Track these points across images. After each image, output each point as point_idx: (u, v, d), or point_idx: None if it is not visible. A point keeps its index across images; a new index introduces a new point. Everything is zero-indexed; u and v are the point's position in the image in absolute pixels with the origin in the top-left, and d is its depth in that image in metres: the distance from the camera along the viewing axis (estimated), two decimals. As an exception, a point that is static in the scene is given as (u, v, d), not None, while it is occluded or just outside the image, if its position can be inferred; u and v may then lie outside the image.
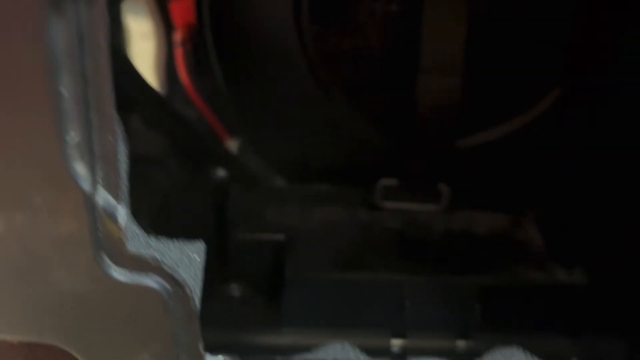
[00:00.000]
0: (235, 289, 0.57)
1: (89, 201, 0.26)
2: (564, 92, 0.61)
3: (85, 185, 0.26)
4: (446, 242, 0.60)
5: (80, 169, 0.26)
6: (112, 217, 0.27)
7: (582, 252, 0.58)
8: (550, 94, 0.61)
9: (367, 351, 0.37)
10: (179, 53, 0.80)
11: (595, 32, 0.58)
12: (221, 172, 0.62)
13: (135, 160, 0.43)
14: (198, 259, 0.32)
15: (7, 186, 0.26)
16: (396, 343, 0.50)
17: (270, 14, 0.59)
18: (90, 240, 0.27)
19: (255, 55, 0.62)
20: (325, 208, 0.63)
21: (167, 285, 0.29)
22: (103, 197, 0.27)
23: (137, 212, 0.30)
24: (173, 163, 0.52)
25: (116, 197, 0.27)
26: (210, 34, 0.63)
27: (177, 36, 0.80)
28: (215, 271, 0.53)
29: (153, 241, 0.30)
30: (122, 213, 0.27)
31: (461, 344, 0.49)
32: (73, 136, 0.25)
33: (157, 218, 0.46)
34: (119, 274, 0.28)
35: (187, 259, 0.31)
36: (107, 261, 0.28)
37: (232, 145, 0.82)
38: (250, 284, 0.58)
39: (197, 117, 0.85)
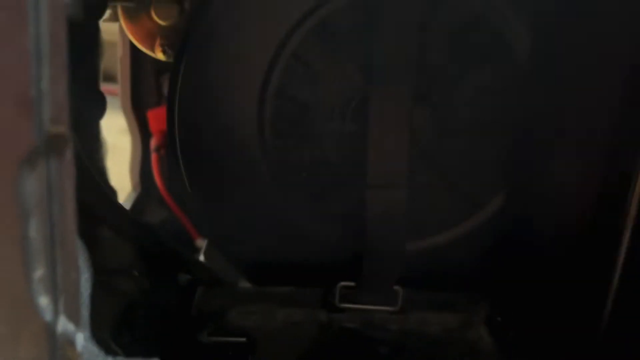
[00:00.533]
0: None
1: (49, 330, 0.29)
2: (505, 198, 0.67)
3: (48, 315, 0.29)
4: (400, 341, 0.63)
5: (44, 301, 0.29)
6: (71, 343, 0.30)
7: (529, 349, 0.61)
8: (494, 199, 0.66)
9: None
10: (154, 158, 0.85)
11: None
12: (186, 276, 0.64)
13: (100, 271, 0.46)
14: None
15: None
16: None
17: (235, 125, 0.64)
18: (49, 365, 0.30)
19: (220, 163, 0.66)
20: (287, 310, 0.66)
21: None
22: (63, 325, 0.30)
23: (100, 323, 0.33)
24: (138, 270, 0.55)
25: (76, 324, 0.30)
26: (179, 141, 0.67)
27: (153, 142, 0.86)
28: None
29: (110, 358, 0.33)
30: (81, 339, 0.30)
31: None
32: (39, 272, 0.28)
33: (120, 326, 0.49)
34: (76, 395, 0.31)
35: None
36: (65, 383, 0.31)
37: (202, 243, 0.86)
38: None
39: (169, 217, 0.89)
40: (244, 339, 0.61)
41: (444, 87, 0.63)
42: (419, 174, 0.64)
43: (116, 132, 0.94)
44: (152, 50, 0.75)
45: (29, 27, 0.25)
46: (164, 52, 0.74)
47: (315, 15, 0.61)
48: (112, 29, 0.84)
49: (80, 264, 0.30)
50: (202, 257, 0.79)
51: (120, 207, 0.60)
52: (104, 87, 0.76)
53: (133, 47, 0.85)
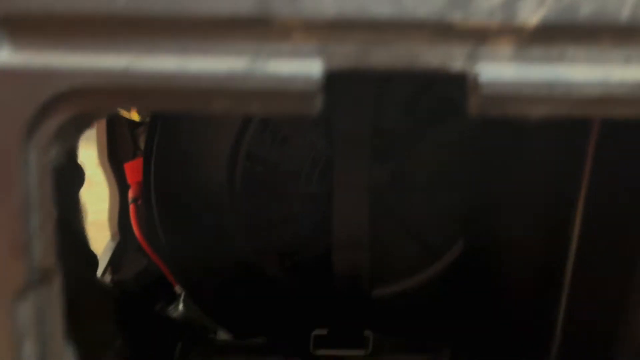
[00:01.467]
0: None
1: None
2: (466, 245, 0.71)
3: None
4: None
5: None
6: None
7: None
8: (453, 249, 0.71)
9: None
10: (132, 208, 0.88)
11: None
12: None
13: (84, 347, 0.49)
14: None
15: None
16: None
17: (207, 184, 0.68)
18: None
19: (192, 215, 0.70)
20: (264, 358, 0.70)
21: None
22: None
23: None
24: (120, 339, 0.59)
25: None
26: (153, 195, 0.71)
27: (130, 193, 0.89)
28: None
29: None
30: None
31: None
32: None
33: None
34: None
35: None
36: None
37: (180, 290, 0.89)
38: None
39: (149, 265, 0.91)
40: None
41: (401, 146, 0.68)
42: (381, 227, 0.68)
43: (94, 165, 0.96)
44: (128, 111, 0.78)
45: (19, 184, 0.29)
46: (139, 112, 0.77)
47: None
48: None
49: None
50: (180, 306, 0.82)
51: (98, 281, 0.63)
52: None
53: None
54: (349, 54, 0.29)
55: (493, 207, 0.68)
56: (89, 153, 0.73)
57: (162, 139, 0.68)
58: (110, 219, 0.92)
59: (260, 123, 0.66)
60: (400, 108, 0.66)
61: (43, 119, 0.29)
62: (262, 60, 0.29)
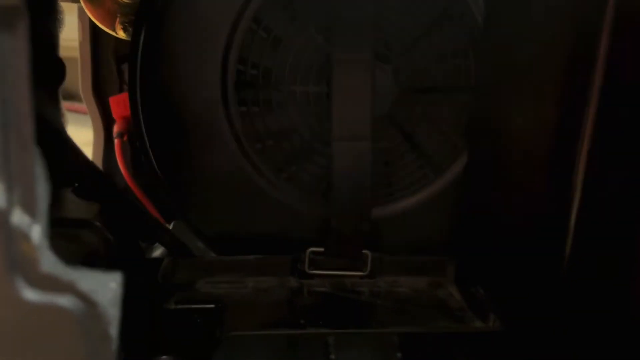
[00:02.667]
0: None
1: (3, 220, 0.28)
2: (469, 158, 0.67)
3: (2, 203, 0.28)
4: (371, 302, 0.62)
5: (-3, 186, 0.28)
6: (26, 237, 0.29)
7: (497, 304, 0.61)
8: (457, 162, 0.67)
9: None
10: (117, 144, 0.84)
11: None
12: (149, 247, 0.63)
13: (62, 223, 0.45)
14: (115, 287, 0.33)
15: None
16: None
17: (199, 95, 0.64)
18: (2, 260, 0.29)
19: (185, 137, 0.66)
20: (256, 277, 0.65)
21: (82, 306, 0.31)
22: (18, 216, 0.29)
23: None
24: (102, 224, 0.54)
25: (32, 216, 0.29)
26: (142, 124, 0.66)
27: (115, 128, 0.85)
28: (147, 344, 0.54)
29: (69, 266, 0.32)
30: (37, 232, 0.29)
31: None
32: (-9, 155, 0.28)
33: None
34: (32, 295, 0.30)
35: (103, 286, 0.32)
36: (20, 281, 0.29)
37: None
38: (182, 355, 0.58)
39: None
40: (212, 305, 0.60)
41: (404, 47, 0.64)
42: (382, 137, 0.65)
43: (81, 145, 0.93)
44: (113, 29, 0.74)
45: None
46: (124, 29, 0.74)
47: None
48: (71, 45, 0.83)
49: (37, 164, 0.29)
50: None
51: (90, 163, 0.59)
52: (66, 104, 0.75)
53: (93, 33, 0.84)
54: None
55: (498, 114, 0.65)
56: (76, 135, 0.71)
57: (147, 54, 0.64)
58: (94, 158, 0.88)
59: (252, 22, 0.63)
60: (403, 5, 0.63)
61: None
62: None
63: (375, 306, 0.61)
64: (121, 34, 0.74)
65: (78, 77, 0.89)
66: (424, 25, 0.64)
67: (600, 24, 0.45)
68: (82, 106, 0.91)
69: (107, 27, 0.74)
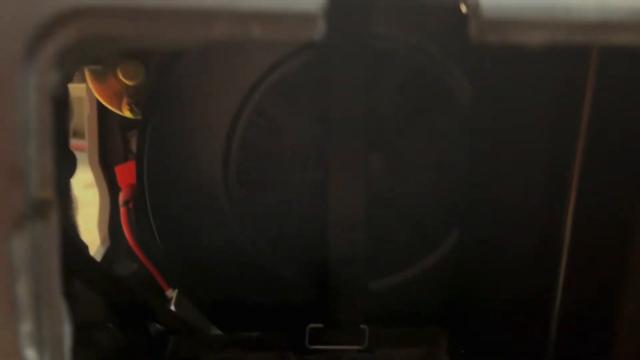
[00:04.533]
0: None
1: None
2: (459, 237, 0.71)
3: (34, 366, 0.31)
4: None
5: (31, 354, 0.31)
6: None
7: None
8: (449, 235, 0.71)
9: None
10: (122, 211, 0.87)
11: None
12: (157, 326, 0.66)
13: (77, 325, 0.48)
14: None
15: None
16: None
17: (202, 176, 0.68)
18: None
19: (187, 211, 0.69)
20: (258, 353, 0.68)
21: None
22: (48, 374, 0.32)
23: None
24: (112, 323, 0.57)
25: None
26: (147, 194, 0.70)
27: (121, 196, 0.88)
28: None
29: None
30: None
31: None
32: (26, 327, 0.31)
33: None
34: None
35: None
36: None
37: (172, 294, 0.87)
38: None
39: (140, 270, 0.90)
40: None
41: (394, 133, 0.68)
42: (377, 215, 0.68)
43: (82, 187, 0.96)
44: (119, 108, 0.78)
45: (17, 107, 0.28)
46: (131, 110, 0.77)
47: (275, 73, 0.65)
48: (79, 86, 0.86)
49: (64, 319, 0.32)
50: (172, 307, 0.81)
51: (92, 260, 0.62)
52: (72, 143, 0.78)
53: (100, 105, 0.88)
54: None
55: (487, 193, 0.68)
56: (78, 176, 0.74)
57: (155, 135, 0.68)
58: (100, 223, 0.91)
59: (254, 111, 0.66)
60: (393, 94, 0.67)
61: (44, 40, 0.29)
62: (264, -16, 0.29)
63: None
64: (127, 114, 0.78)
65: (83, 115, 0.92)
66: (412, 111, 0.68)
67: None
68: (86, 144, 0.93)
69: (114, 107, 0.78)
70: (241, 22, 0.29)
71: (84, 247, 0.63)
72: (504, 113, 0.65)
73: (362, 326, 0.69)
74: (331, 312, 0.68)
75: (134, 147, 0.90)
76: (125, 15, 0.29)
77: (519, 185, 0.63)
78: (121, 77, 0.76)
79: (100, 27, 0.29)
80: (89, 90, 0.82)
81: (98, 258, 0.90)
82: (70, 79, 0.59)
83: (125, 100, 0.77)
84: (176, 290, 0.83)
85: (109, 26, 0.29)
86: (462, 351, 0.69)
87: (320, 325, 0.69)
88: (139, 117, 0.77)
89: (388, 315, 0.71)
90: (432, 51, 0.65)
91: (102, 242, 0.92)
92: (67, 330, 0.34)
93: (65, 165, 0.62)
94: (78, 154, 0.83)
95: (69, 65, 0.30)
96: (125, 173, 0.87)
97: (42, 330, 0.32)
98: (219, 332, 0.74)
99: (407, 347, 0.69)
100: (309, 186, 0.67)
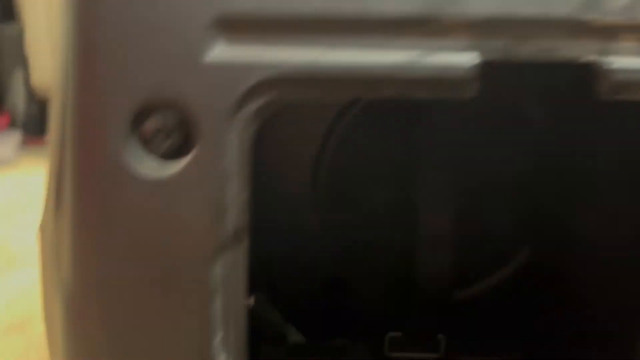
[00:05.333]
0: None
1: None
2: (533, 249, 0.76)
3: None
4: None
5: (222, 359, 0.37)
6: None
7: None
8: (522, 252, 0.76)
9: None
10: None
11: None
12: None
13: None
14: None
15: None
16: None
17: (290, 202, 0.74)
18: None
19: (274, 223, 0.75)
20: (341, 360, 0.74)
21: None
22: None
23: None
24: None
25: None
26: None
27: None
28: None
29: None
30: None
31: None
32: (219, 337, 0.37)
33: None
34: None
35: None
36: None
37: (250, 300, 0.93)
38: None
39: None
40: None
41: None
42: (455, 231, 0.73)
43: None
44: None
45: (224, 157, 0.35)
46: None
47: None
48: None
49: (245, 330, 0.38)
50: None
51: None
52: None
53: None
54: (499, 47, 0.35)
55: (561, 210, 0.72)
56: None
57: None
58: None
59: (342, 135, 0.72)
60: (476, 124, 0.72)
61: (246, 102, 0.35)
62: (427, 53, 0.35)
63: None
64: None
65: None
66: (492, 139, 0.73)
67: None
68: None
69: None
70: (407, 87, 0.35)
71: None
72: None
73: (439, 335, 0.74)
74: (412, 322, 0.74)
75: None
76: (312, 83, 0.35)
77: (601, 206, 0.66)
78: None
79: (291, 93, 0.35)
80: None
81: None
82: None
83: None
84: (252, 297, 0.89)
85: (297, 91, 0.35)
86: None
87: (399, 334, 0.75)
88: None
89: (463, 326, 0.76)
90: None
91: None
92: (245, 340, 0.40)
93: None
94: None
95: (262, 120, 0.36)
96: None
97: (230, 339, 0.38)
98: (300, 338, 0.79)
99: (482, 357, 0.75)
100: (396, 206, 0.73)
